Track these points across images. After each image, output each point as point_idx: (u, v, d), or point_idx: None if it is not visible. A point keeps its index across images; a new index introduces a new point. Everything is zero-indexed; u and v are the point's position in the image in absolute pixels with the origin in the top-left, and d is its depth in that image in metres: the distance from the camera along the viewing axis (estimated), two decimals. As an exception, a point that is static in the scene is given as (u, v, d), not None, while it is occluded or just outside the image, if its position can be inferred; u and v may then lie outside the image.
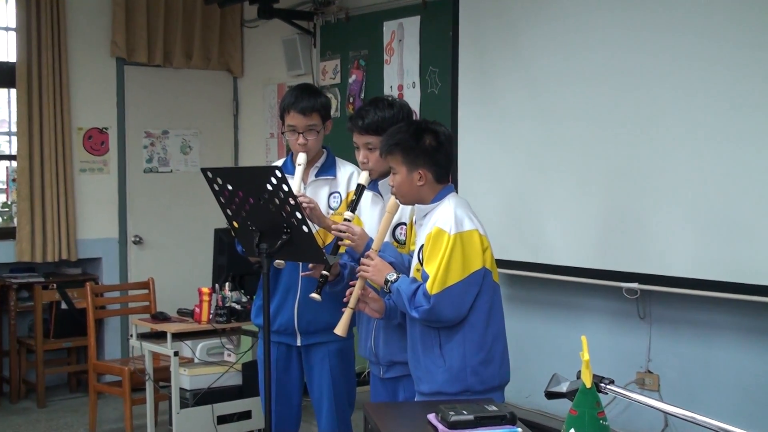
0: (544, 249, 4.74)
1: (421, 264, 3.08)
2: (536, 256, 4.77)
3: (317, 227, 3.57)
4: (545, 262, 4.72)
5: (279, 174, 3.08)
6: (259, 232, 3.23)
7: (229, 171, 3.44)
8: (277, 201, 3.14)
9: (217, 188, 3.28)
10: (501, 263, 4.67)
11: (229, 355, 5.59)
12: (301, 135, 3.71)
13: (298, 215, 3.15)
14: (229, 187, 3.24)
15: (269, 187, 3.12)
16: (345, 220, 3.40)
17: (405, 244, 3.41)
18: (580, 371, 2.00)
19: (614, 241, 4.38)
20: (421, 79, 5.77)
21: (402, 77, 5.90)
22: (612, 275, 4.37)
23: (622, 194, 4.34)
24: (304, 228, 3.16)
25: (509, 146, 4.92)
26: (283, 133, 3.82)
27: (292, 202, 3.13)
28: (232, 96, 7.76)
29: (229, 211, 3.32)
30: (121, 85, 7.22)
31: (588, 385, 1.97)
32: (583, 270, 4.52)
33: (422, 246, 3.10)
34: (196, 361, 5.59)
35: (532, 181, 4.79)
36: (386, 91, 5.97)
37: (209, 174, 3.26)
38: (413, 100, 5.73)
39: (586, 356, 2.00)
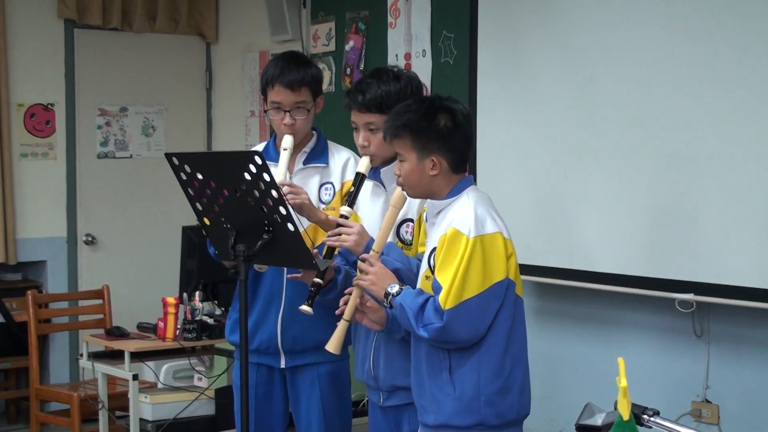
0: (580, 253, 4.74)
1: (432, 271, 3.09)
2: (571, 262, 4.77)
3: (305, 224, 3.58)
4: (581, 269, 4.72)
5: (258, 160, 3.08)
6: (235, 230, 3.24)
7: (198, 157, 3.46)
8: (256, 193, 3.15)
9: (184, 177, 3.28)
10: (528, 269, 4.72)
11: (200, 379, 5.60)
12: (287, 114, 3.72)
13: (282, 210, 3.15)
14: (199, 176, 3.24)
15: (247, 176, 3.12)
16: (341, 216, 3.40)
17: (411, 245, 3.42)
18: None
19: (665, 244, 4.38)
20: (432, 46, 5.77)
21: (410, 44, 5.91)
22: (662, 284, 4.37)
23: (674, 188, 4.34)
24: (290, 226, 3.16)
25: (539, 129, 4.92)
26: (265, 112, 3.83)
27: (275, 194, 3.13)
28: (204, 66, 7.77)
29: (199, 206, 3.33)
30: (70, 53, 7.23)
31: (625, 417, 1.98)
32: (628, 278, 4.52)
33: (434, 249, 3.11)
34: (159, 386, 5.60)
35: (566, 172, 4.80)
36: (391, 61, 5.97)
37: (175, 160, 3.26)
38: (423, 71, 5.72)
39: (623, 382, 2.01)
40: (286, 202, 3.20)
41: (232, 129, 7.56)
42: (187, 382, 5.63)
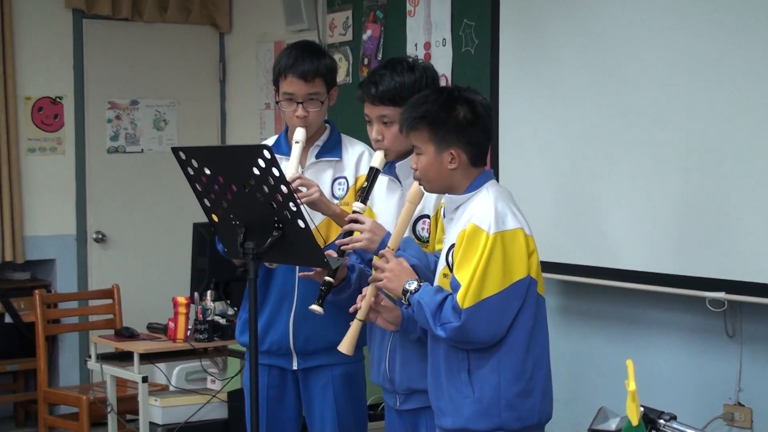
0: (606, 250, 4.72)
1: (451, 269, 3.09)
2: (597, 259, 4.75)
3: (317, 220, 3.58)
4: (608, 266, 4.70)
5: (267, 154, 3.08)
6: (245, 227, 3.24)
7: (206, 151, 3.44)
8: (265, 188, 3.14)
9: (191, 173, 3.29)
10: (552, 267, 4.71)
11: (213, 381, 5.60)
12: (300, 105, 3.73)
13: (292, 206, 3.15)
14: (207, 171, 3.24)
15: (255, 170, 3.12)
16: (354, 212, 3.40)
17: (428, 242, 3.41)
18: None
19: (695, 240, 4.36)
20: (453, 35, 5.76)
21: (429, 33, 5.89)
22: (692, 282, 4.35)
23: (704, 182, 4.32)
24: (300, 223, 3.16)
25: (563, 121, 4.90)
26: (277, 103, 3.84)
27: (285, 189, 3.13)
28: (217, 57, 7.77)
29: (207, 202, 3.33)
30: (79, 44, 7.24)
31: (634, 422, 1.95)
32: (656, 276, 4.49)
33: (452, 246, 3.10)
34: (171, 388, 5.60)
35: (592, 166, 4.78)
36: (410, 51, 5.96)
37: (182, 154, 3.26)
38: (443, 61, 5.72)
39: (632, 385, 1.99)
40: (297, 198, 3.18)
41: (246, 122, 7.56)
42: (199, 385, 5.63)
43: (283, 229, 3.19)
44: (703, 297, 4.30)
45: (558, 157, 4.94)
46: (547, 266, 4.63)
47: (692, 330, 4.57)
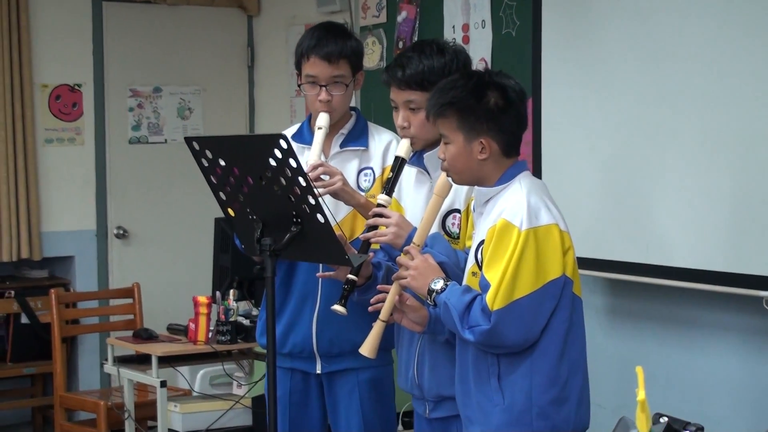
0: (655, 246, 4.69)
1: (480, 267, 3.07)
2: (645, 256, 4.72)
3: (341, 213, 3.58)
4: (657, 263, 4.66)
5: (284, 144, 3.06)
6: (262, 222, 3.23)
7: (220, 141, 3.45)
8: (283, 181, 3.13)
9: (206, 164, 3.28)
10: (599, 264, 4.70)
11: (239, 386, 5.61)
12: (323, 89, 3.73)
13: (311, 200, 3.13)
14: (222, 162, 3.24)
15: (272, 161, 3.11)
16: (379, 205, 3.39)
17: (458, 238, 3.39)
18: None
19: (751, 236, 4.32)
20: (493, 16, 5.74)
21: (468, 14, 5.88)
22: (748, 281, 4.31)
23: (761, 172, 4.28)
24: (319, 217, 3.14)
25: (610, 108, 4.87)
26: (299, 86, 3.84)
27: (303, 182, 3.11)
28: (245, 41, 7.79)
29: (222, 195, 3.33)
30: (98, 29, 7.29)
31: (643, 435, 1.91)
32: (710, 274, 4.46)
33: (482, 242, 3.08)
34: (194, 393, 5.61)
35: (641, 156, 4.74)
36: (447, 33, 5.96)
37: (195, 145, 3.26)
38: (483, 44, 5.72)
39: (641, 394, 1.95)
40: (316, 191, 3.16)
41: (276, 110, 7.58)
42: (225, 390, 5.63)
43: (301, 224, 3.17)
44: (760, 296, 4.26)
45: (604, 147, 4.91)
46: (592, 263, 4.63)
47: (748, 332, 4.53)
